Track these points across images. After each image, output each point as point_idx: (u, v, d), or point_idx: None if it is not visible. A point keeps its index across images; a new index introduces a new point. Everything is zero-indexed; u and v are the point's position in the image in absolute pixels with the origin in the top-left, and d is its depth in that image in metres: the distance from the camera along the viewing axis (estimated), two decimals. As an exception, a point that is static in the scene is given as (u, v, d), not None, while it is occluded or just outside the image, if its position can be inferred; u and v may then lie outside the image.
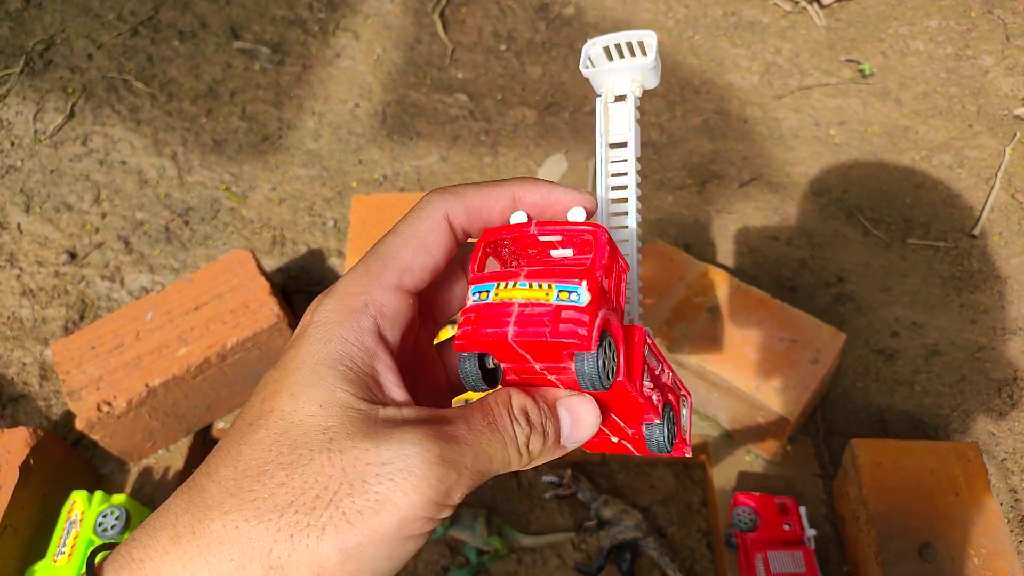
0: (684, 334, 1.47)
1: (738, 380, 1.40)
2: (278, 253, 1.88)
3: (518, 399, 0.44)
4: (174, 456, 1.57)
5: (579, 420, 0.45)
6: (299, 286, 1.82)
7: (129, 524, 1.34)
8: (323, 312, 0.43)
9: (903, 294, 1.74)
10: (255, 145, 2.10)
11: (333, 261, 1.86)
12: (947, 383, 1.61)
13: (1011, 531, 1.44)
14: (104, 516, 1.33)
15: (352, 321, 0.42)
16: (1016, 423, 1.55)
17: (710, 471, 1.55)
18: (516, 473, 1.70)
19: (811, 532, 1.37)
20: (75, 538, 1.32)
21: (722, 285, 1.52)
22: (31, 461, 1.37)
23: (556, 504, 1.66)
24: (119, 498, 1.37)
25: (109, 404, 1.41)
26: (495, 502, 1.67)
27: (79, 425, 1.40)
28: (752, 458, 1.53)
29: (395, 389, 0.43)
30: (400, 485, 0.38)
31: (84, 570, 0.41)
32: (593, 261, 0.41)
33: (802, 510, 1.38)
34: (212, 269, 1.57)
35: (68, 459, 1.47)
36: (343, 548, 0.37)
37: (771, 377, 1.39)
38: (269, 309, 1.49)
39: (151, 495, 1.51)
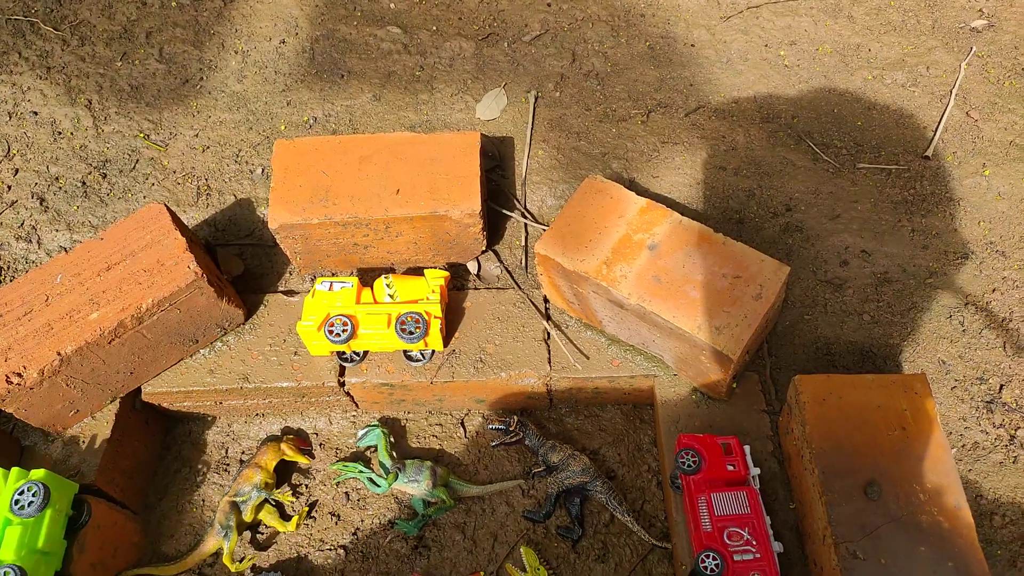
0: (624, 274, 1.40)
1: (679, 320, 1.35)
2: (203, 205, 1.77)
3: None
4: (100, 424, 1.50)
5: None
6: (227, 238, 1.73)
7: (48, 500, 1.27)
8: None
9: (853, 221, 1.68)
10: (175, 89, 1.97)
11: (263, 211, 1.76)
12: (897, 312, 1.57)
13: (960, 460, 1.42)
14: (20, 493, 1.27)
15: None
16: (967, 350, 1.53)
17: (658, 411, 1.52)
18: (462, 423, 1.66)
19: (755, 471, 1.34)
20: (-9, 517, 1.26)
21: (663, 221, 1.46)
22: (-62, 439, 1.29)
23: (505, 452, 1.63)
24: (37, 473, 1.31)
25: (19, 375, 1.33)
26: (442, 453, 1.63)
27: (-13, 400, 1.32)
28: (698, 397, 1.50)
29: None
30: None
31: None
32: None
33: (746, 449, 1.35)
34: (124, 226, 1.47)
35: (-18, 434, 1.40)
36: None
37: (713, 315, 1.34)
38: (185, 266, 1.41)
39: (77, 464, 1.45)
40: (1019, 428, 1.43)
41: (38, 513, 1.26)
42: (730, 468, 1.32)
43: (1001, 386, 1.48)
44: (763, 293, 1.36)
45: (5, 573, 1.20)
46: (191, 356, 1.56)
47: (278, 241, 1.55)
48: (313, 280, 1.66)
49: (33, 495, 1.27)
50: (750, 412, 1.48)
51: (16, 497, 1.26)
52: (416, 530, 1.54)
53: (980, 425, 1.44)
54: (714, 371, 1.40)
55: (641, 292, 1.38)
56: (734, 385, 1.48)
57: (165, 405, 1.60)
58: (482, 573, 1.49)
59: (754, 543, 1.23)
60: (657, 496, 1.57)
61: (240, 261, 1.66)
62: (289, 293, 1.65)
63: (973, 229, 1.67)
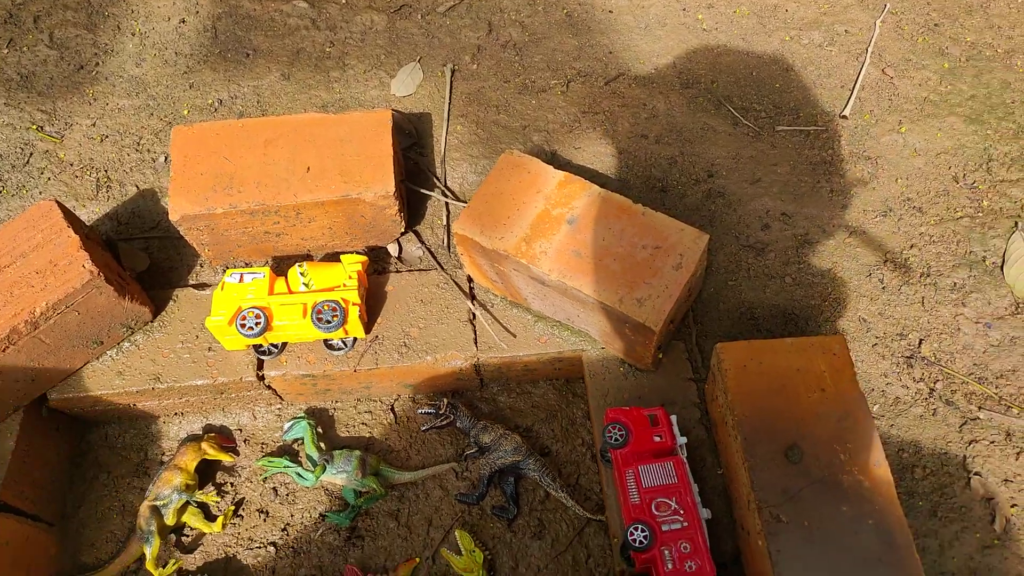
0: (544, 250, 1.38)
1: (601, 294, 1.33)
2: (104, 198, 1.68)
3: None
4: (3, 435, 1.42)
5: None
6: (131, 232, 1.64)
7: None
8: None
9: (773, 184, 1.68)
10: (68, 76, 1.85)
11: (167, 202, 1.68)
12: (818, 273, 1.58)
13: (882, 416, 1.44)
14: (-88, 516, 1.19)
15: None
16: (886, 307, 1.54)
17: (588, 385, 1.50)
18: (392, 409, 1.62)
19: (682, 440, 1.34)
20: None
21: (582, 194, 1.43)
22: None
23: (437, 435, 1.60)
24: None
25: (-97, 391, 1.24)
26: (372, 441, 1.59)
27: None
28: (626, 369, 1.49)
29: None
30: None
31: None
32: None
33: (673, 419, 1.35)
34: (13, 226, 1.38)
35: None
36: None
37: (634, 288, 1.33)
38: (80, 265, 1.33)
39: (-20, 481, 1.37)
40: (938, 381, 1.46)
41: (-67, 536, 1.19)
42: (657, 439, 1.31)
43: (920, 340, 1.50)
44: (683, 263, 1.34)
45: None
46: (97, 359, 1.49)
47: (182, 233, 1.48)
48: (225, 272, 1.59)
49: (-74, 517, 1.19)
50: (677, 381, 1.47)
51: (-93, 521, 1.19)
52: (348, 521, 1.50)
53: (901, 380, 1.47)
54: (639, 343, 1.38)
55: (562, 268, 1.36)
56: (660, 355, 1.47)
57: (75, 411, 1.53)
58: (418, 559, 1.46)
59: (681, 512, 1.23)
60: (592, 469, 1.56)
61: (145, 256, 1.59)
62: (200, 287, 1.58)
63: (891, 186, 1.68)
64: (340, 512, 1.51)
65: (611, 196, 1.42)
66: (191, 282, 1.60)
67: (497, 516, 1.51)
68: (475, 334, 1.53)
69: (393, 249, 1.63)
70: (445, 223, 1.65)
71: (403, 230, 1.60)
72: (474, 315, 1.54)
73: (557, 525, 1.51)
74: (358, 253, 1.58)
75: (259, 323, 1.39)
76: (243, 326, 1.39)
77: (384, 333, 1.53)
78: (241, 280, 1.43)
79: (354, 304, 1.43)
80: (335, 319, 1.40)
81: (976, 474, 1.37)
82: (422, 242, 1.63)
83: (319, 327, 1.40)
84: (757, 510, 1.16)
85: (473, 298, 1.57)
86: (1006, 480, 1.37)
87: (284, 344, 1.50)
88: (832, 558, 1.11)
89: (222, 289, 1.42)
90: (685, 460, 1.31)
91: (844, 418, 1.21)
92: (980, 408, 1.42)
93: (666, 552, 1.20)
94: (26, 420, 1.44)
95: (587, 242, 1.37)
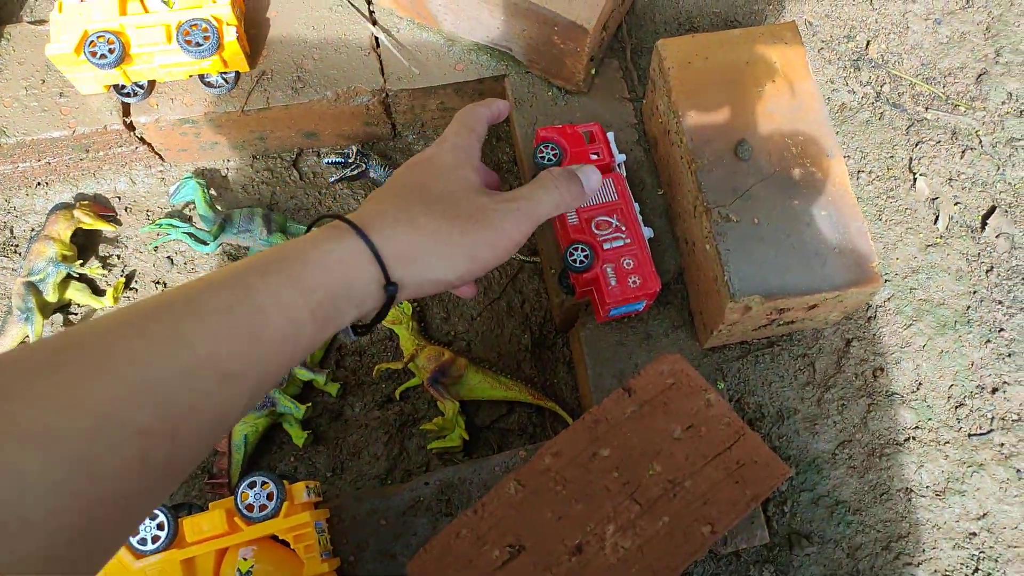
0: (452, -59, 1.15)
1: (523, -11, 1.13)
2: None
3: (554, 170, 0.83)
4: None
5: (590, 176, 0.88)
6: (-63, -38, 1.31)
7: None
8: (455, 135, 0.82)
9: None
10: None
11: (-21, -79, 1.34)
12: (761, -25, 1.42)
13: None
14: None
15: (474, 139, 0.83)
16: (834, 8, 1.41)
17: (512, 113, 1.34)
18: (295, 164, 1.43)
19: (620, 158, 1.21)
20: None
21: None
22: None
23: (348, 188, 1.44)
24: None
25: None
26: (275, 200, 1.41)
27: None
28: (555, 93, 1.33)
29: (484, 174, 0.86)
30: (508, 219, 0.75)
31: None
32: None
33: (610, 135, 1.22)
34: None
35: None
36: (487, 240, 0.73)
37: (561, -21, 1.13)
38: None
39: None
40: (885, 84, 1.36)
41: None
42: (594, 157, 1.18)
43: (868, 42, 1.38)
44: (616, -54, 1.15)
45: None
46: (-79, 113, 1.22)
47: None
48: None
49: None
50: (612, 102, 1.32)
51: None
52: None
53: (848, 85, 1.36)
54: (569, 53, 1.21)
55: (475, -39, 1.15)
56: (593, 72, 1.31)
57: (-90, 184, 1.28)
58: (340, 318, 1.34)
59: (623, 228, 1.13)
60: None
61: (-42, -16, 1.28)
62: (38, 23, 1.29)
63: None
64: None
65: None
66: (26, 18, 1.31)
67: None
68: (380, 63, 1.33)
69: (272, -31, 1.36)
70: (333, -65, 1.38)
71: (282, -60, 1.33)
72: (378, 41, 1.33)
73: (488, 273, 1.41)
74: (228, -32, 1.30)
75: (113, 49, 1.14)
76: (93, 54, 1.14)
77: (272, 67, 1.31)
78: None
79: (229, 24, 1.19)
80: (207, 42, 1.17)
81: (922, 175, 1.31)
82: (307, -40, 1.37)
83: (188, 52, 1.17)
84: (705, 212, 1.06)
85: (375, 22, 1.34)
86: (950, 179, 1.31)
87: (152, 83, 1.26)
88: (785, 253, 1.03)
89: (60, 10, 1.15)
90: (624, 177, 1.19)
91: (795, 109, 1.10)
92: (927, 109, 1.34)
93: (608, 269, 1.10)
94: None
95: (503, -71, 1.16)
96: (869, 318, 1.24)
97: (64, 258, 1.28)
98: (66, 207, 1.32)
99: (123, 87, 1.24)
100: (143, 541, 0.91)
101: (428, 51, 1.34)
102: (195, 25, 1.16)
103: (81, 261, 1.33)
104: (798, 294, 1.01)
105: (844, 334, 1.22)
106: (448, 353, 1.29)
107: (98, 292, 1.34)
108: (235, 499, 0.95)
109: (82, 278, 1.34)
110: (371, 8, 1.35)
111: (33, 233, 1.35)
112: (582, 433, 0.96)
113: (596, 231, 1.13)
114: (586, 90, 1.32)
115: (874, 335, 1.23)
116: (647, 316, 1.19)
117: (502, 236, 0.73)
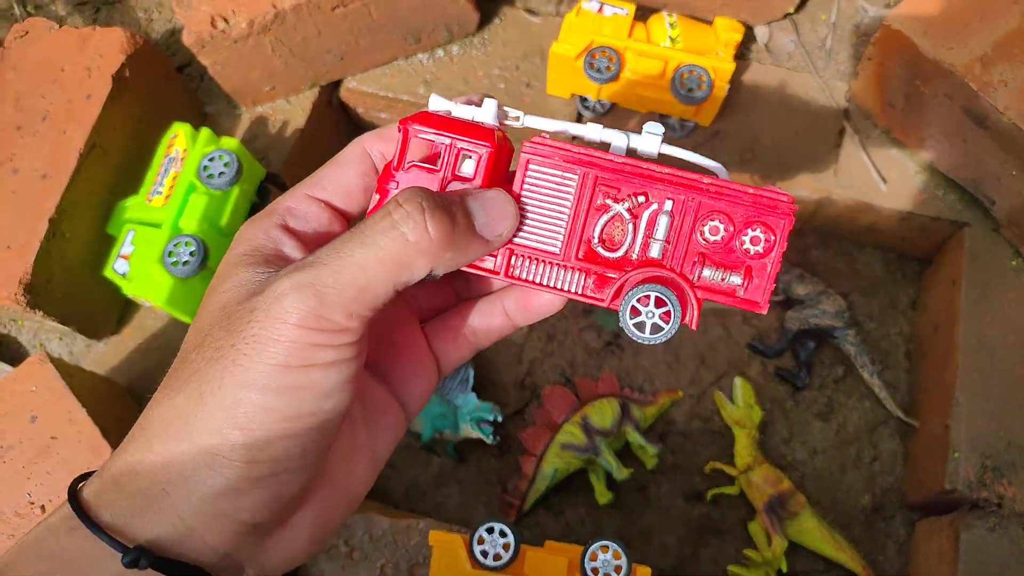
0: (1004, 80, 1.03)
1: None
2: None
3: (410, 190, 0.43)
4: (294, 110, 1.28)
5: (494, 209, 0.46)
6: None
7: (240, 174, 1.08)
8: (242, 227, 0.47)
9: None
10: None
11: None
12: None
13: None
14: (211, 159, 1.07)
15: (259, 222, 0.47)
16: None
17: (963, 268, 1.20)
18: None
19: None
20: (174, 178, 1.07)
21: (1079, 20, 1.05)
22: (127, 73, 1.09)
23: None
24: (230, 142, 1.11)
25: (226, 20, 1.09)
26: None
27: (186, 40, 1.10)
28: (1019, 263, 1.17)
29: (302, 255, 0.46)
30: (267, 320, 0.40)
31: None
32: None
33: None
34: None
35: (170, 82, 1.20)
36: (244, 384, 0.39)
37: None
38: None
39: (263, 149, 1.25)
40: None
41: (227, 188, 1.07)
42: None
43: None
44: None
45: (186, 244, 1.03)
46: (406, 58, 1.29)
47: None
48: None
49: (225, 165, 1.07)
50: (1084, 300, 1.14)
51: (206, 163, 1.07)
52: (614, 325, 1.32)
53: None
54: None
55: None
56: (1079, 262, 1.14)
57: (360, 111, 1.37)
58: (680, 393, 1.27)
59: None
60: (902, 366, 1.30)
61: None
62: (530, 12, 1.33)
63: None
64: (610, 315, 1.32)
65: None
66: (520, 4, 1.35)
67: (782, 379, 1.29)
68: (837, 162, 1.24)
69: (762, 34, 1.31)
70: (831, 19, 1.31)
71: (791, 9, 1.27)
72: (842, 136, 1.24)
73: (848, 412, 1.28)
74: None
75: (611, 67, 1.14)
76: (592, 66, 1.14)
77: (728, 130, 1.25)
78: (600, 11, 1.17)
79: (722, 82, 1.15)
80: (700, 90, 1.13)
81: None
82: (798, 34, 1.31)
83: (679, 95, 1.14)
84: None
85: (849, 118, 1.25)
86: None
87: (613, 106, 1.25)
88: None
89: (578, 14, 1.16)
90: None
91: None
92: None
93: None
94: (318, 102, 1.29)
95: (1069, 85, 1.02)
96: None
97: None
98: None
99: (588, 100, 1.24)
100: (484, 553, 0.89)
101: (891, 167, 1.23)
102: (694, 71, 1.13)
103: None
104: None
105: None
106: (787, 482, 1.18)
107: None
108: (581, 562, 0.89)
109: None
110: (848, 104, 1.26)
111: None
112: None
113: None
114: (1057, 277, 1.15)
115: None
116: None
117: (265, 357, 0.42)
